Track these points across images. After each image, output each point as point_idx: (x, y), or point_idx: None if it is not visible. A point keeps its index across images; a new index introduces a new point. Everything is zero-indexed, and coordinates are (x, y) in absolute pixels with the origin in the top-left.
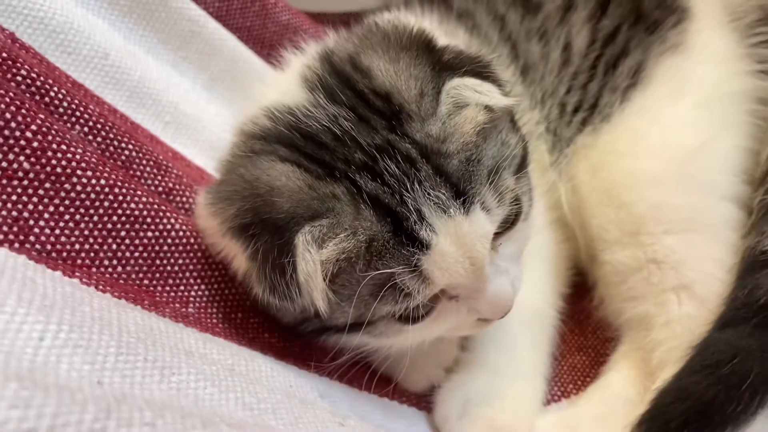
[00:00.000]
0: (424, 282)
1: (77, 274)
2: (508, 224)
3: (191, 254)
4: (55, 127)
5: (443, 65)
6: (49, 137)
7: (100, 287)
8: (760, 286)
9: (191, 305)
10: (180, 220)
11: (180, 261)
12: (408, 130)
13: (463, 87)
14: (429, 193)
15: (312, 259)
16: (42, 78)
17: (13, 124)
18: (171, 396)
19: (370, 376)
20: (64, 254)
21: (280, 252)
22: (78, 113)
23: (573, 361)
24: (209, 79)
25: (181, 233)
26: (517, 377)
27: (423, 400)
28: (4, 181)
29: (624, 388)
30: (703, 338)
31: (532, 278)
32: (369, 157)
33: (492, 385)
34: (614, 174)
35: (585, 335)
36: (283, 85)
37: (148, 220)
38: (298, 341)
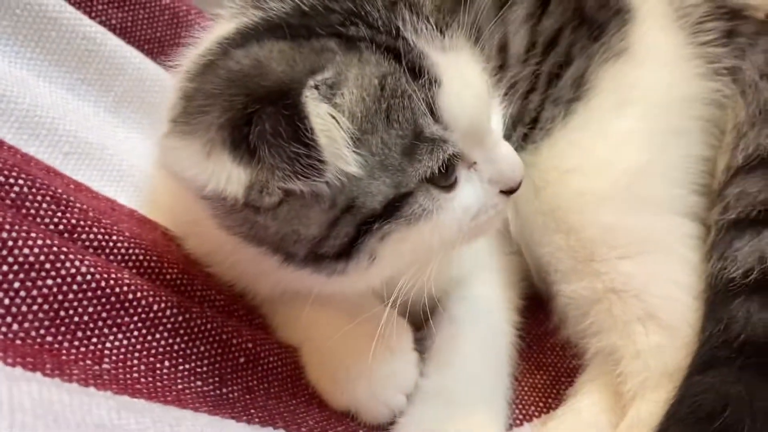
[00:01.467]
0: (447, 127)
1: None
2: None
3: (102, 300)
4: None
5: None
6: None
7: None
8: (735, 319)
9: (106, 359)
10: (87, 261)
11: (90, 309)
12: None
13: None
14: (419, 30)
15: (327, 111)
16: None
17: None
18: None
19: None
20: None
21: (290, 119)
22: None
23: (533, 380)
24: (113, 102)
25: (89, 277)
26: (477, 403)
27: None
28: None
29: (595, 416)
30: (685, 382)
31: (484, 292)
32: (347, 13)
33: (452, 413)
34: (559, 194)
35: (544, 352)
36: (214, 35)
37: (47, 266)
38: (236, 384)
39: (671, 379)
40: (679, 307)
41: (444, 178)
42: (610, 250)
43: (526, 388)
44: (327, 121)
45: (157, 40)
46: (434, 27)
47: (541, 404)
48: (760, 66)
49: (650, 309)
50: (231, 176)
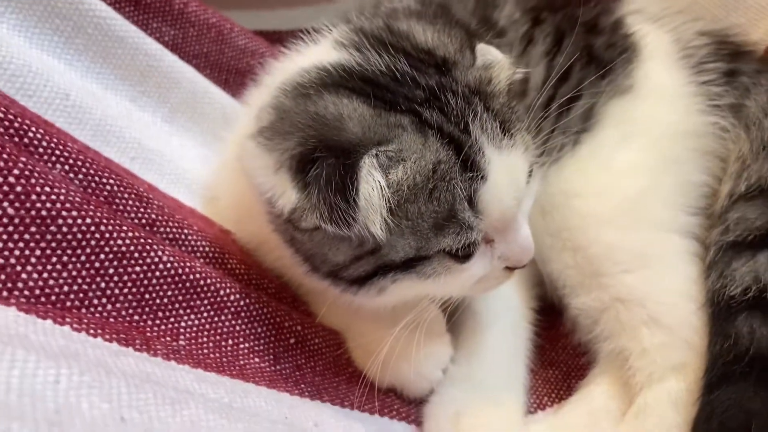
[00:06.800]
0: (480, 216)
1: (68, 319)
2: (529, 174)
3: (179, 285)
4: (37, 168)
5: (472, 32)
6: (32, 180)
7: (91, 331)
8: (741, 334)
9: (182, 337)
10: (167, 252)
11: (169, 293)
12: (456, 75)
13: (486, 50)
14: (485, 127)
15: (375, 181)
16: (19, 119)
17: None
18: (186, 428)
19: (363, 393)
20: (53, 297)
21: (344, 174)
22: (57, 152)
23: (546, 374)
24: (169, 112)
25: (168, 265)
26: (501, 388)
27: (412, 414)
28: None
29: (605, 402)
30: (707, 397)
31: (503, 293)
32: (430, 93)
33: (480, 396)
34: (565, 216)
35: (556, 350)
36: (316, 55)
37: (135, 255)
38: (287, 362)
39: (674, 372)
40: (678, 311)
41: (461, 252)
42: (614, 266)
43: (540, 381)
44: (373, 187)
45: (204, 56)
46: (499, 126)
47: (553, 395)
48: (764, 105)
49: (653, 314)
50: (285, 194)
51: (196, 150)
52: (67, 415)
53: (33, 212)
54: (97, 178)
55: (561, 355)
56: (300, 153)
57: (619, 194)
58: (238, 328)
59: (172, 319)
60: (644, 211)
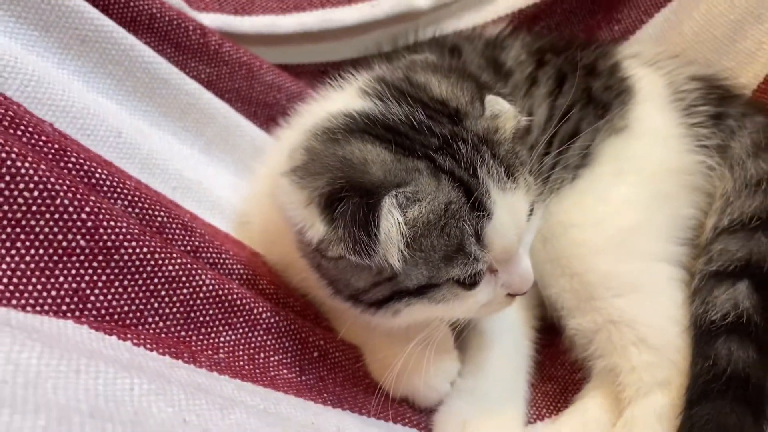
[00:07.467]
0: (485, 249)
1: (129, 335)
2: (530, 212)
3: (219, 305)
4: (104, 206)
5: (482, 84)
6: (100, 216)
7: (148, 346)
8: (720, 356)
9: (221, 351)
10: (209, 276)
11: (210, 312)
12: (467, 124)
13: (495, 101)
14: (491, 172)
15: (394, 219)
16: (88, 162)
17: (71, 209)
18: (234, 431)
19: (379, 403)
20: (116, 316)
21: (367, 212)
22: (119, 190)
23: (545, 388)
24: (205, 144)
25: (211, 287)
26: (504, 400)
27: (423, 422)
28: (65, 258)
29: (598, 414)
30: (688, 413)
31: (507, 315)
32: (443, 141)
33: (484, 407)
34: (563, 244)
35: (555, 366)
36: (342, 101)
37: (183, 279)
38: (311, 373)
39: (660, 388)
40: (664, 333)
41: (467, 280)
42: (607, 291)
43: (539, 394)
44: (392, 224)
45: (235, 91)
46: (504, 171)
47: (551, 407)
48: (748, 147)
49: (641, 335)
50: (314, 226)
51: (229, 178)
52: (143, 417)
53: (101, 243)
54: (150, 212)
55: (559, 370)
56: (329, 192)
57: (614, 226)
58: (269, 342)
59: (213, 335)
60: (636, 243)
